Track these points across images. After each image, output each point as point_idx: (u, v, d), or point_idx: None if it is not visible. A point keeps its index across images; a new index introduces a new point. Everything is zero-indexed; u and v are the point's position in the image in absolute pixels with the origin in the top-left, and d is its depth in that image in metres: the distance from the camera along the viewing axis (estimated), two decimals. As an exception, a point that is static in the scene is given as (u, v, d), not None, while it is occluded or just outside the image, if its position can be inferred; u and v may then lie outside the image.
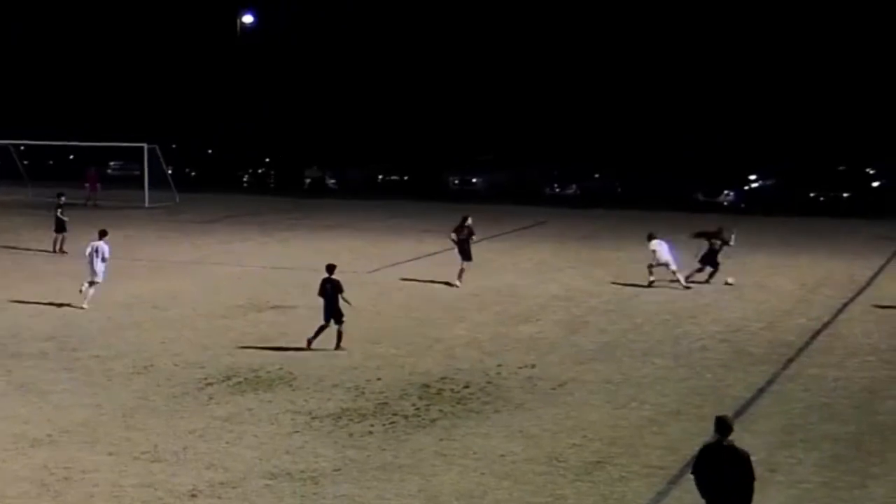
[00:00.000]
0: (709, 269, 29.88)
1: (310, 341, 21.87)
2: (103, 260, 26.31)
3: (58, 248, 34.88)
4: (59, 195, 36.16)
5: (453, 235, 30.17)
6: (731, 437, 11.61)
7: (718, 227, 30.65)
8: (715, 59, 64.32)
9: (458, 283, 29.49)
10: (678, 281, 29.12)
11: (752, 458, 11.64)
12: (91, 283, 26.24)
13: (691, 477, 11.82)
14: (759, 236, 37.80)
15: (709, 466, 11.57)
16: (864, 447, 16.27)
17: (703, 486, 11.60)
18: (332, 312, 21.84)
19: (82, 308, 25.84)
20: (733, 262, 31.37)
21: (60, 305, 26.41)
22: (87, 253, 26.65)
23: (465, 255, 29.81)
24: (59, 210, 35.33)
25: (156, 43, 75.31)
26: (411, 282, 30.28)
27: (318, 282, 22.03)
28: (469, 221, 30.06)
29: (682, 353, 22.18)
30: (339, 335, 21.85)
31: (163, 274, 31.14)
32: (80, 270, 26.90)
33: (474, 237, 30.34)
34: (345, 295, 21.89)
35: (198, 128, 72.12)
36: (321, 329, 21.90)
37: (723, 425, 11.67)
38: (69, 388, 19.17)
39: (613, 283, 30.24)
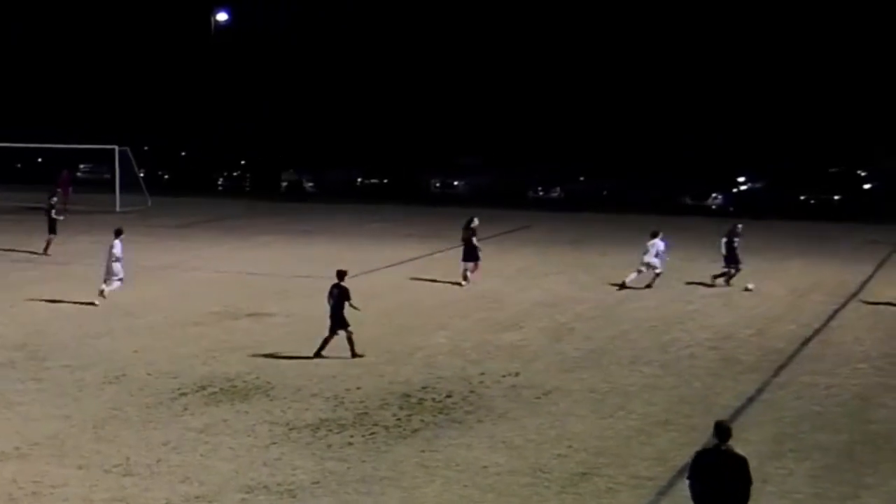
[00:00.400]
0: (732, 269, 30.35)
1: (318, 353, 21.82)
2: (116, 259, 27.30)
3: (48, 249, 35.58)
4: (51, 196, 37.10)
5: (465, 234, 31.07)
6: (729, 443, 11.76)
7: (733, 224, 31.05)
8: (706, 60, 64.46)
9: (477, 279, 30.47)
10: (652, 279, 29.84)
11: (745, 467, 11.74)
12: (119, 281, 27.37)
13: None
14: (747, 240, 37.79)
15: (706, 472, 11.69)
16: (857, 457, 16.33)
17: (699, 493, 11.70)
18: (336, 319, 21.75)
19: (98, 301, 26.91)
20: (720, 267, 31.44)
21: (37, 301, 26.35)
22: (110, 250, 27.79)
23: (466, 255, 30.62)
24: (53, 211, 36.07)
25: (126, 42, 75.04)
26: (391, 288, 30.23)
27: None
28: (475, 223, 30.96)
29: (670, 360, 22.22)
30: (350, 341, 21.73)
31: (135, 280, 30.91)
32: (53, 276, 26.81)
33: (475, 239, 30.88)
34: (352, 301, 21.79)
35: (171, 129, 71.90)
36: (326, 341, 21.86)
37: (722, 430, 11.87)
38: (38, 398, 19.07)
39: (600, 287, 30.30)
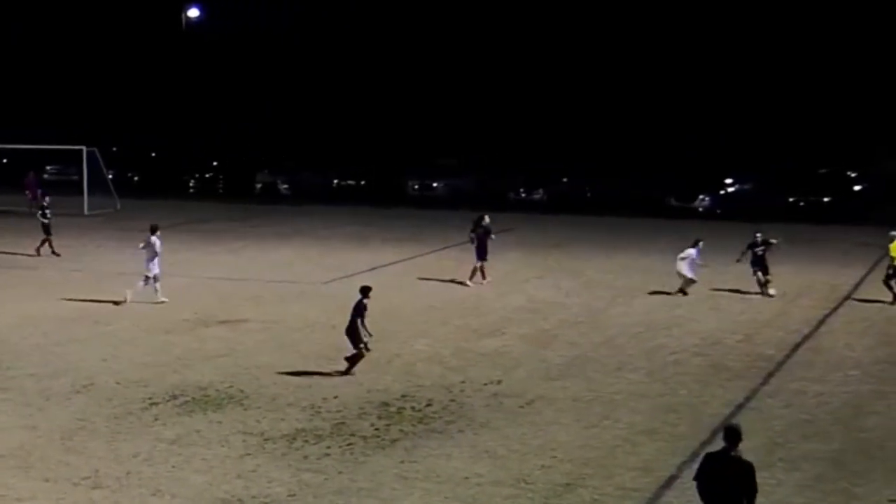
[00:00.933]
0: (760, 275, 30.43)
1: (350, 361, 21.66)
2: (155, 255, 28.09)
3: (41, 249, 36.30)
4: (44, 197, 38.18)
5: (472, 235, 31.97)
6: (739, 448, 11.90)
7: (753, 234, 31.04)
8: (707, 59, 64.57)
9: (469, 283, 31.33)
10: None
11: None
12: (146, 279, 28.15)
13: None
14: (735, 244, 37.92)
15: (712, 476, 11.85)
16: (848, 466, 16.40)
17: (704, 496, 11.89)
18: (349, 333, 21.53)
19: (123, 301, 27.76)
20: (710, 271, 31.56)
21: (1, 306, 26.29)
22: (139, 248, 28.78)
23: (481, 254, 31.58)
24: (40, 213, 36.98)
25: (93, 39, 74.73)
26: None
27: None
28: (486, 221, 32.01)
29: (656, 367, 22.27)
30: (353, 358, 21.50)
31: (103, 286, 30.82)
32: (19, 281, 26.77)
33: (492, 236, 32.05)
34: (365, 320, 21.41)
35: (141, 129, 71.61)
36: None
37: (733, 435, 11.97)
38: (2, 409, 18.96)
39: (585, 292, 30.34)
